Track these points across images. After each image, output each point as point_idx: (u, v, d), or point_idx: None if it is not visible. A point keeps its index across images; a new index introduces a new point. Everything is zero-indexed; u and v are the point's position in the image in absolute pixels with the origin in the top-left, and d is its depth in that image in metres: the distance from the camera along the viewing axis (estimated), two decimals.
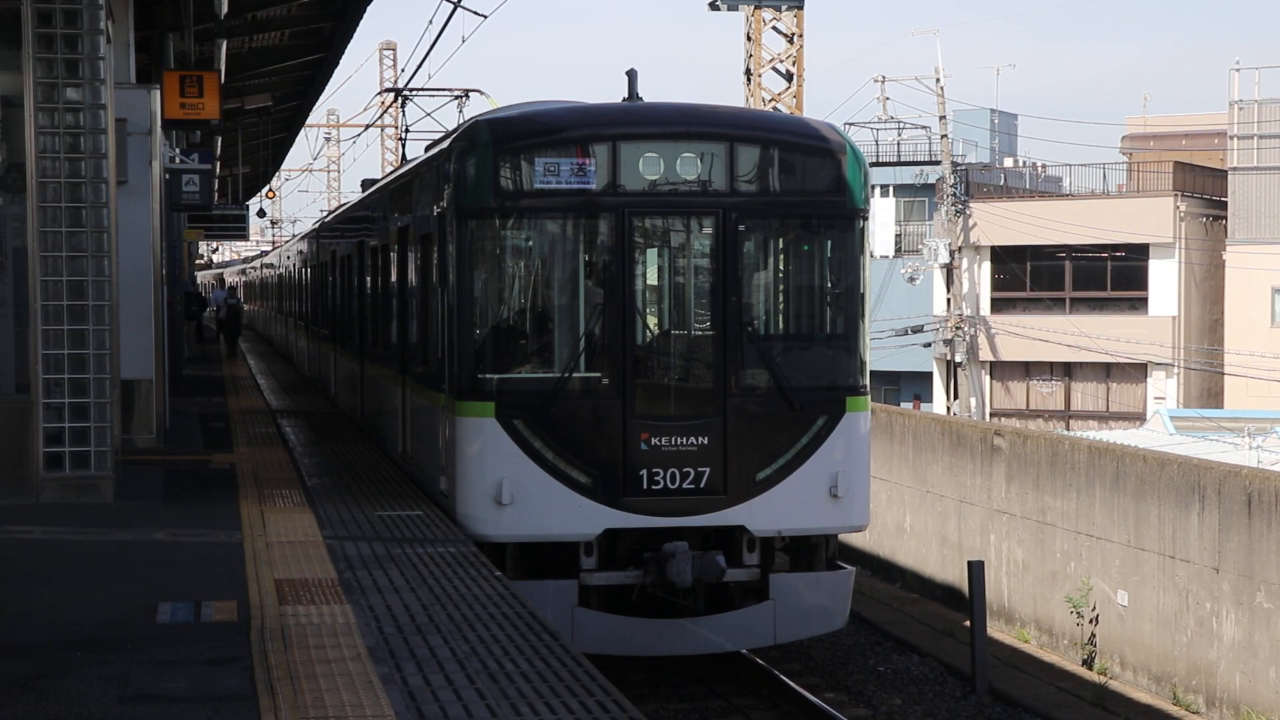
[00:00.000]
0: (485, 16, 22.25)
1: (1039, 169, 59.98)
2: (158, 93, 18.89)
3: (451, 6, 20.21)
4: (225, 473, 16.43)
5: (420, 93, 27.73)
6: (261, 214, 62.47)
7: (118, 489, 14.07)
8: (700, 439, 13.23)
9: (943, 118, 51.97)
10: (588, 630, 13.04)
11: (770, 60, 33.49)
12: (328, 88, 39.60)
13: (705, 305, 13.72)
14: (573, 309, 13.60)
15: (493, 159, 13.23)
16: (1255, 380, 42.00)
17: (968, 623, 16.08)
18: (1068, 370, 48.12)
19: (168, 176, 21.86)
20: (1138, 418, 44.22)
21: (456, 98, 26.92)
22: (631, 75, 14.79)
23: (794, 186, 13.87)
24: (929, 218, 53.94)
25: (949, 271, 49.90)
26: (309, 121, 47.62)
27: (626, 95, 14.69)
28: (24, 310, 13.99)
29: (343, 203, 36.02)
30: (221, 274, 65.85)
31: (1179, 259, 46.30)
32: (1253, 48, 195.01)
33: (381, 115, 60.41)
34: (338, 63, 29.45)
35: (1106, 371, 47.43)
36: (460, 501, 13.34)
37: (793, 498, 13.44)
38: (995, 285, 49.67)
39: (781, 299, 14.35)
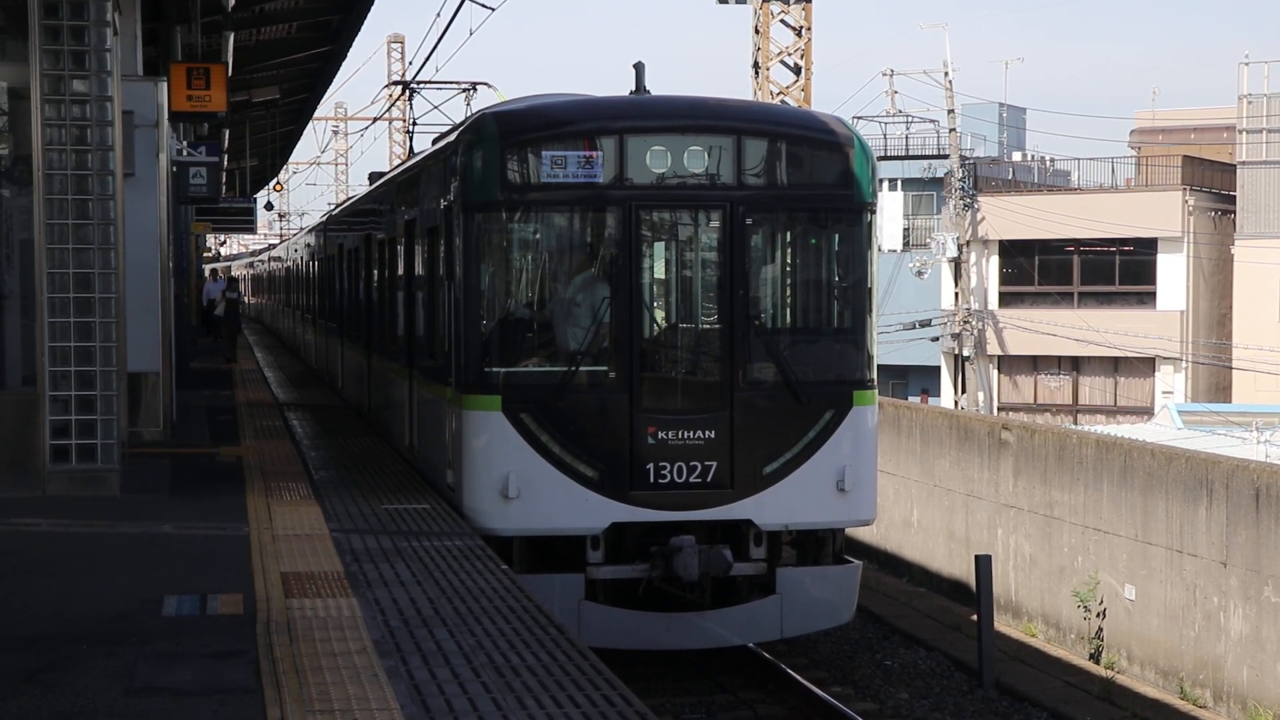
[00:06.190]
0: (493, 9, 22.26)
1: (1047, 163, 59.88)
2: (165, 85, 18.86)
3: None
4: (232, 466, 16.42)
5: (428, 86, 27.73)
6: (269, 207, 62.40)
7: (124, 482, 14.06)
8: (707, 433, 13.21)
9: (951, 111, 51.88)
10: (594, 624, 13.03)
11: (778, 54, 33.44)
12: (335, 81, 39.57)
13: (712, 299, 13.70)
14: (579, 302, 13.57)
15: (499, 152, 13.20)
16: (1263, 374, 41.92)
17: (975, 617, 16.06)
18: (1075, 364, 48.06)
19: (175, 169, 21.85)
20: (1145, 412, 44.17)
21: (464, 91, 26.88)
22: (639, 68, 14.75)
23: (802, 180, 13.83)
24: (937, 212, 53.86)
25: (957, 265, 49.84)
26: (317, 114, 47.62)
27: (634, 88, 14.67)
28: (30, 303, 13.97)
29: (350, 196, 36.05)
30: (215, 268, 65.16)
31: (1187, 253, 46.21)
32: (1262, 42, 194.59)
33: (389, 108, 60.41)
34: (345, 55, 29.43)
35: (1114, 366, 47.37)
36: (467, 495, 13.33)
37: (800, 492, 13.42)
38: (1003, 279, 49.61)
39: (789, 293, 14.33)
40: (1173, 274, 46.46)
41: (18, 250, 14.48)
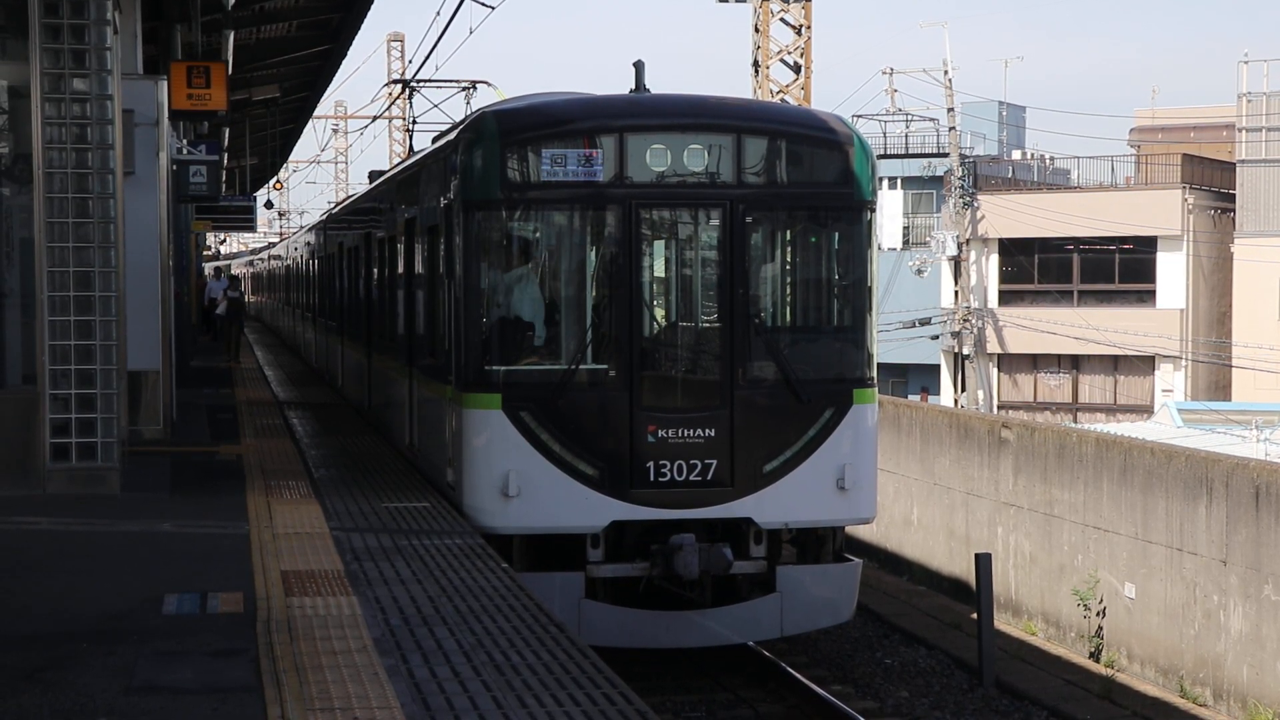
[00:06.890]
0: (493, 8, 22.25)
1: (1047, 161, 59.85)
2: (165, 84, 18.85)
3: None
4: (232, 464, 16.42)
5: (428, 84, 27.77)
6: (269, 205, 62.30)
7: (124, 480, 14.06)
8: (707, 431, 13.21)
9: (950, 110, 51.86)
10: (594, 622, 13.03)
11: (778, 52, 33.42)
12: (335, 79, 39.56)
13: (712, 297, 13.70)
14: (580, 301, 13.58)
15: (499, 151, 13.20)
16: (1263, 373, 41.91)
17: (975, 615, 16.06)
18: (1075, 363, 48.05)
19: (175, 168, 21.85)
20: (1145, 410, 44.15)
21: (464, 89, 26.91)
22: (638, 66, 14.75)
23: (801, 178, 13.83)
24: (937, 210, 53.85)
25: (956, 264, 49.84)
26: (317, 113, 47.59)
27: (634, 86, 14.66)
28: (31, 301, 13.98)
29: (350, 194, 36.05)
30: (217, 267, 64.97)
31: (1187, 251, 46.19)
32: (1262, 40, 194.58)
33: (389, 107, 60.38)
34: (345, 54, 29.43)
35: (1114, 364, 47.36)
36: (467, 493, 13.33)
37: (800, 490, 13.42)
38: (1003, 278, 49.60)
39: (789, 291, 14.33)
40: (1172, 272, 46.45)
41: (18, 249, 14.47)
